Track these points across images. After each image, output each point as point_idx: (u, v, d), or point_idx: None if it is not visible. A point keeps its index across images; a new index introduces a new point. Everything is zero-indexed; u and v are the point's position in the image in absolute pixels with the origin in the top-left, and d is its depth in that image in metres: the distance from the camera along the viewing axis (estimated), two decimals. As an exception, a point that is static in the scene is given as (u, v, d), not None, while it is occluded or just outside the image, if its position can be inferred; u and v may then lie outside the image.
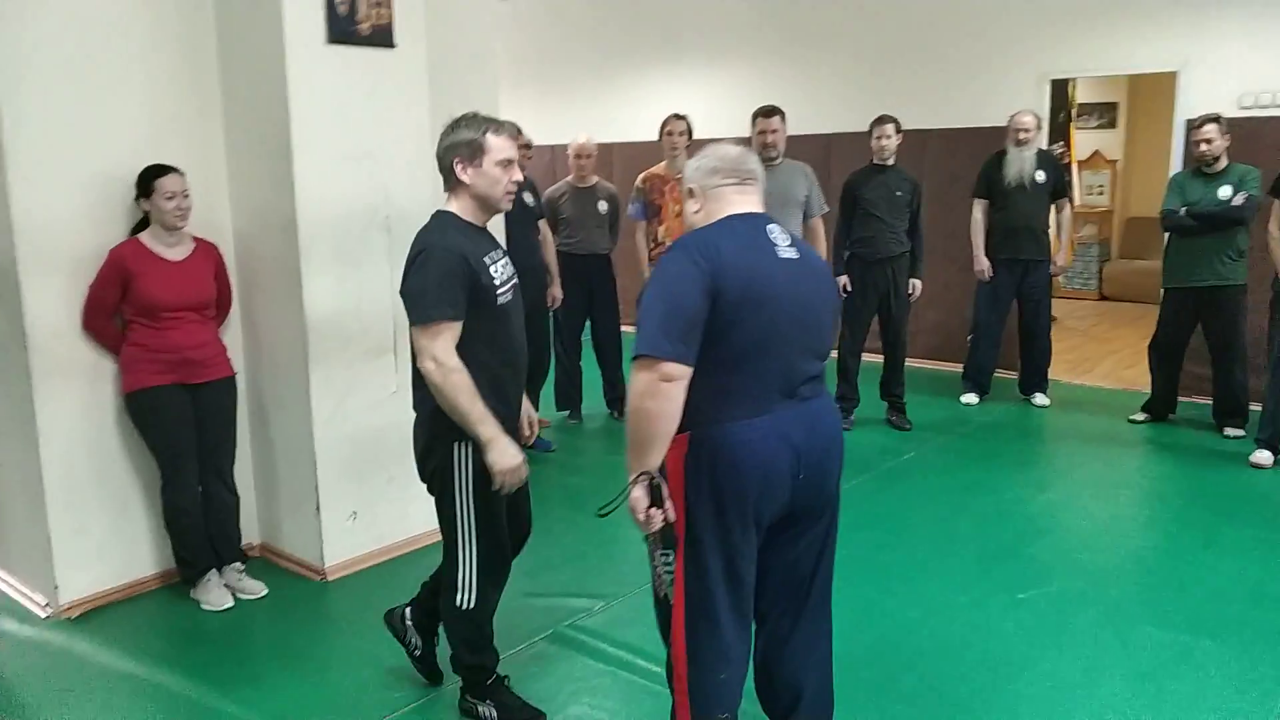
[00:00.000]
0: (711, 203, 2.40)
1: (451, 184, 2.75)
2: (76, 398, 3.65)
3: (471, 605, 2.79)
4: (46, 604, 3.72)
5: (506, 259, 2.83)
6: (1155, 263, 5.77)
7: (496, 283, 2.71)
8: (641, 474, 2.24)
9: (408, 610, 3.11)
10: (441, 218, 2.76)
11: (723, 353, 2.23)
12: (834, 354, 5.98)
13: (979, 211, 6.15)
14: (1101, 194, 10.40)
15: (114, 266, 3.53)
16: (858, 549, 4.13)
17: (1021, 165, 5.93)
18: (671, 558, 2.34)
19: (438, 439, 2.70)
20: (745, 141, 5.31)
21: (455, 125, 2.73)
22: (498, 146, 2.70)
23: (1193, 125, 5.44)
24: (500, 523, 2.82)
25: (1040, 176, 5.95)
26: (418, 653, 3.13)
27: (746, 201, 2.39)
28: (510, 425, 2.81)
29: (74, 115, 3.54)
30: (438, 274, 2.59)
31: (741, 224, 2.34)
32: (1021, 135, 5.92)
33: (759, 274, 2.25)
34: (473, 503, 2.72)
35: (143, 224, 3.64)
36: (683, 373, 2.17)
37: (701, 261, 2.21)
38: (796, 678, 2.51)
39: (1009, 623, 3.47)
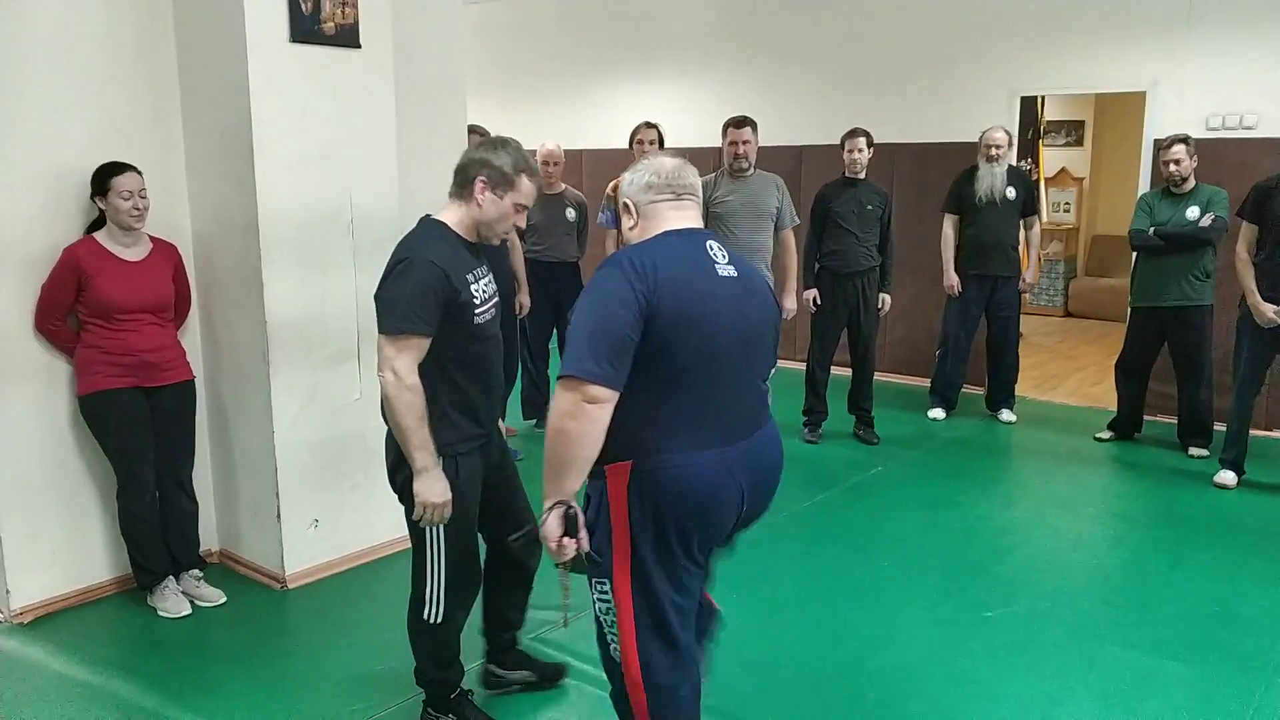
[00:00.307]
0: (647, 219, 2.32)
1: (462, 195, 2.69)
2: (29, 400, 3.55)
3: (438, 620, 2.74)
4: (-4, 610, 3.63)
5: (490, 277, 2.78)
6: (1120, 280, 5.83)
7: (476, 301, 2.66)
8: (557, 503, 2.15)
9: (490, 666, 3.10)
10: (430, 226, 2.70)
11: (661, 375, 2.15)
12: (803, 366, 5.99)
13: (949, 226, 6.17)
14: (1068, 211, 10.51)
15: (68, 266, 3.44)
16: (824, 564, 4.13)
17: (993, 181, 5.96)
18: (607, 587, 2.27)
19: None
20: (716, 152, 5.37)
21: (498, 145, 2.69)
22: (525, 191, 2.68)
23: (1161, 145, 5.49)
24: (471, 539, 2.77)
25: (1011, 193, 5.98)
26: (531, 678, 3.12)
27: (684, 217, 2.32)
28: (484, 443, 2.77)
29: (25, 111, 3.45)
30: (416, 286, 2.54)
31: (679, 241, 2.27)
32: (993, 151, 5.94)
33: (696, 294, 2.18)
34: None
35: (99, 222, 3.55)
36: (608, 395, 2.08)
37: (635, 280, 2.12)
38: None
39: (975, 641, 3.46)
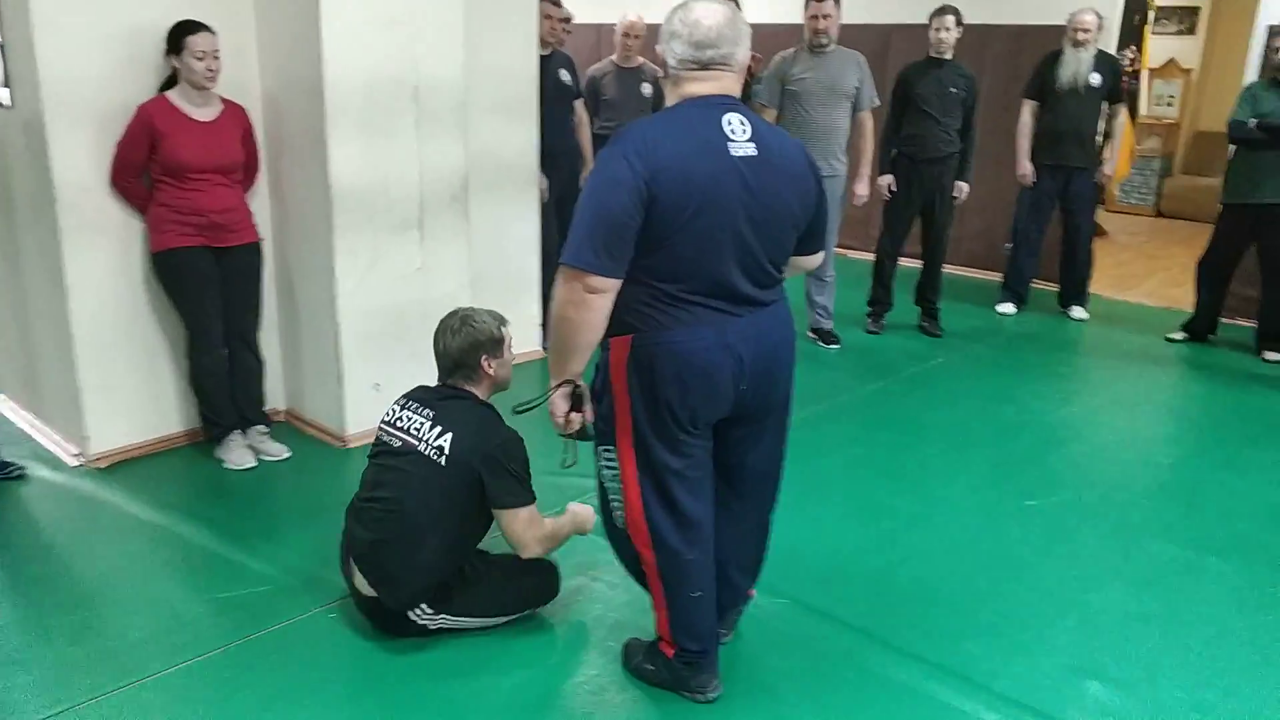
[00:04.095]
0: (673, 84, 2.23)
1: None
2: (105, 255, 3.70)
3: None
4: (77, 453, 3.86)
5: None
6: (1219, 180, 5.55)
7: None
8: (563, 382, 2.25)
9: None
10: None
11: (663, 259, 2.13)
12: (871, 256, 5.88)
13: (1028, 113, 5.93)
14: (1170, 105, 9.96)
15: (141, 123, 3.53)
16: (872, 449, 4.15)
17: (1077, 67, 5.68)
18: (613, 454, 2.34)
19: None
20: (799, 30, 5.17)
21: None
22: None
23: (1274, 32, 5.16)
24: None
25: (1095, 80, 5.70)
26: None
27: (708, 88, 2.19)
28: None
29: (102, -33, 3.50)
30: None
31: (694, 114, 2.16)
32: (1080, 35, 5.65)
33: (700, 177, 2.10)
34: None
35: (171, 81, 3.62)
36: (607, 285, 2.10)
37: (637, 163, 2.05)
38: (727, 549, 2.53)
39: (1014, 528, 3.47)
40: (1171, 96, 9.96)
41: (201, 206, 3.62)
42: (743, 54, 2.22)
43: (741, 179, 2.14)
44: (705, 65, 2.18)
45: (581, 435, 2.35)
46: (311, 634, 2.80)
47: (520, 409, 2.42)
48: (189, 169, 3.58)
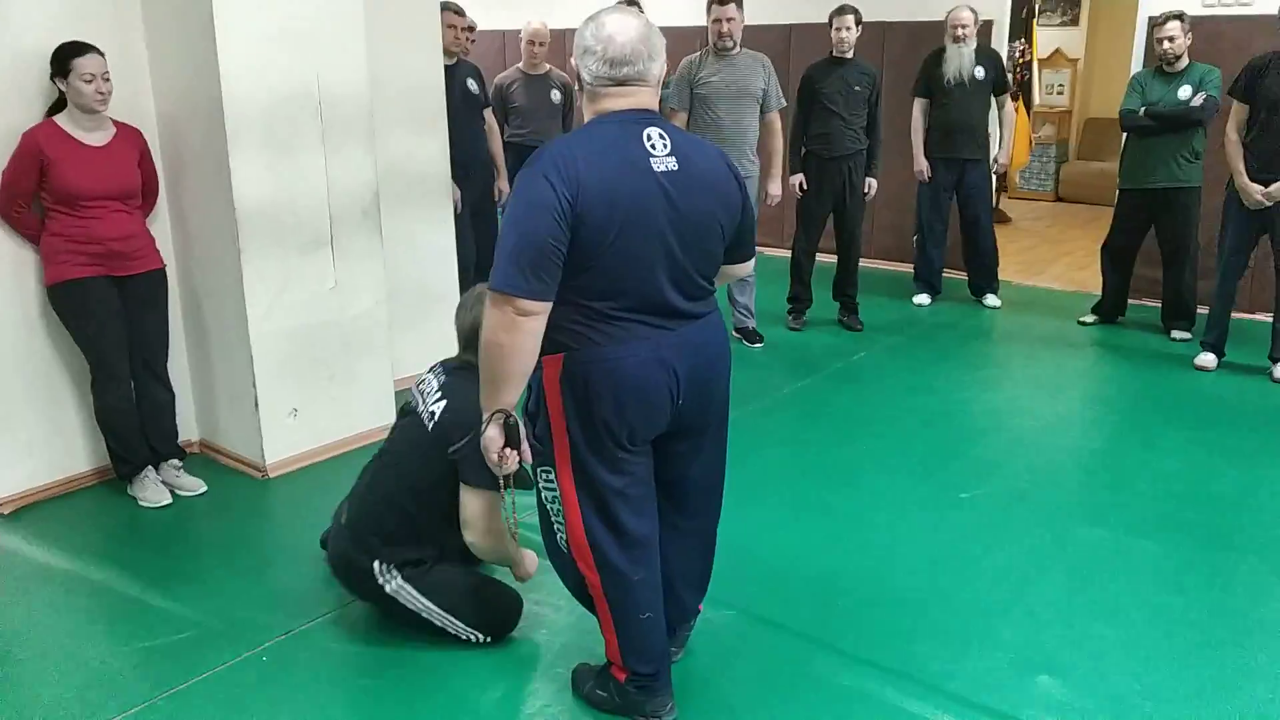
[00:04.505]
0: (589, 100, 2.18)
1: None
2: (-2, 288, 3.49)
3: None
4: (-24, 500, 3.63)
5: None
6: (1113, 164, 5.75)
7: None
8: (496, 412, 2.13)
9: None
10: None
11: (592, 279, 2.09)
12: (788, 253, 5.92)
13: (919, 111, 6.08)
14: (1061, 94, 10.28)
15: (28, 150, 3.33)
16: (805, 448, 4.15)
17: (960, 62, 5.84)
18: (552, 475, 2.28)
19: None
20: (702, 32, 5.17)
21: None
22: None
23: (1155, 22, 5.35)
24: None
25: (979, 73, 5.87)
26: None
27: (625, 103, 2.15)
28: None
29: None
30: None
31: (613, 131, 2.12)
32: (959, 31, 5.81)
33: (625, 195, 2.06)
34: None
35: (59, 104, 3.43)
36: (539, 308, 2.04)
37: (558, 184, 2.00)
38: (673, 565, 2.48)
39: (950, 521, 3.51)
40: (1061, 85, 10.28)
41: (98, 235, 3.44)
42: (658, 68, 2.17)
43: (665, 194, 2.11)
44: (621, 82, 2.14)
45: (520, 482, 2.25)
46: (242, 681, 2.66)
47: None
48: (83, 196, 3.39)
